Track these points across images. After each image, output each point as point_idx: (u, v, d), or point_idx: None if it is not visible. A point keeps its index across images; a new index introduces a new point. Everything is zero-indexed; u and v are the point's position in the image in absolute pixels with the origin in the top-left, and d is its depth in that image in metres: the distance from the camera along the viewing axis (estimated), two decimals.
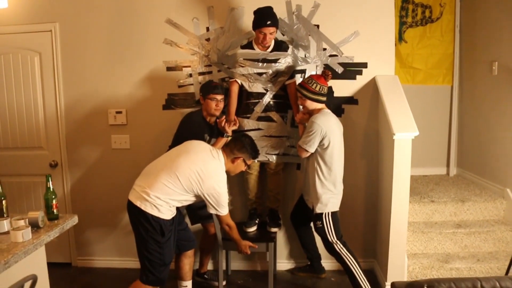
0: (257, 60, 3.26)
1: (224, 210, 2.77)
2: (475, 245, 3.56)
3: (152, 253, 2.66)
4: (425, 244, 3.56)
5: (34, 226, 2.26)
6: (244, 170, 2.99)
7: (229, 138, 3.23)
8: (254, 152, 2.92)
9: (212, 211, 2.76)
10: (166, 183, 2.61)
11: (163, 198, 2.61)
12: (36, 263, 2.22)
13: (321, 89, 3.03)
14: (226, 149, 2.85)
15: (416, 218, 3.76)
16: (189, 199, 2.73)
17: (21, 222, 2.16)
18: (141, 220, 2.63)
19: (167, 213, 2.66)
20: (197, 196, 2.70)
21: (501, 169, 3.89)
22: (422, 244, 3.56)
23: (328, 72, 3.12)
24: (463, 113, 4.66)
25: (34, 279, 1.81)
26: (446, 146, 4.79)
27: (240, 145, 2.85)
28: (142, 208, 2.61)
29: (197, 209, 3.25)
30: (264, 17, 3.13)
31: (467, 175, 4.54)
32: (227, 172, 2.83)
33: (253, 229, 3.42)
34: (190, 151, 2.73)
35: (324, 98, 3.09)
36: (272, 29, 3.14)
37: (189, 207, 3.31)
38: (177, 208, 2.79)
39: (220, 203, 2.72)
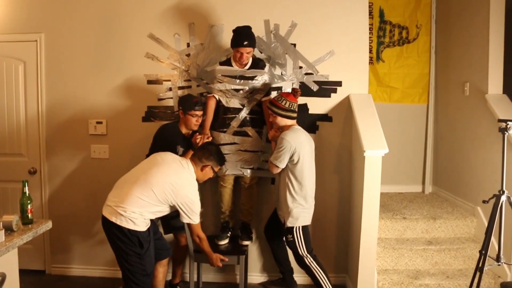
0: (235, 77, 3.41)
1: (196, 219, 2.91)
2: (445, 262, 3.68)
3: (134, 265, 2.78)
4: (396, 260, 3.68)
5: (8, 229, 2.38)
6: (212, 177, 3.14)
7: None
8: (220, 160, 3.09)
9: (185, 220, 2.89)
10: (141, 196, 2.74)
11: (137, 212, 2.74)
12: (7, 265, 2.32)
13: (290, 106, 3.20)
14: (194, 158, 3.01)
15: (388, 234, 3.90)
16: (163, 210, 2.87)
17: None
18: (118, 235, 2.75)
19: (142, 225, 2.79)
20: (171, 206, 2.84)
21: (473, 187, 4.05)
22: (393, 260, 3.68)
23: (297, 89, 3.28)
24: (438, 132, 4.86)
25: (3, 277, 1.93)
26: (422, 164, 4.97)
27: (207, 153, 3.01)
28: (118, 223, 2.73)
29: (170, 219, 3.36)
30: (242, 37, 3.30)
31: (441, 193, 4.72)
32: (196, 180, 2.98)
33: (225, 242, 3.54)
34: (161, 163, 2.87)
35: (294, 115, 3.25)
36: (249, 49, 3.31)
37: (162, 217, 3.43)
38: (151, 219, 2.91)
39: (194, 210, 2.87)
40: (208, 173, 3.05)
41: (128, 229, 2.74)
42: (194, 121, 3.34)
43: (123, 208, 2.72)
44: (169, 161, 2.91)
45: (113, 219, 2.74)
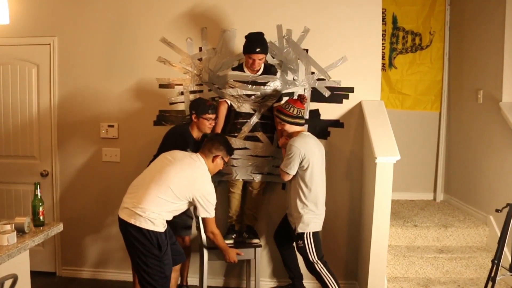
0: (247, 82, 3.43)
1: (212, 211, 2.95)
2: (456, 270, 3.65)
3: (153, 268, 2.78)
4: (406, 268, 3.66)
5: (20, 231, 2.41)
6: (222, 168, 3.15)
7: None
8: (229, 149, 3.11)
9: (202, 213, 2.91)
10: (159, 194, 2.76)
11: (156, 211, 2.75)
12: (19, 267, 2.34)
13: (298, 112, 3.21)
14: (204, 150, 3.03)
15: (399, 242, 3.88)
16: (180, 208, 2.89)
17: (7, 227, 2.31)
18: (137, 237, 2.75)
19: (160, 226, 2.81)
20: (190, 202, 2.87)
21: (485, 196, 4.02)
22: (403, 268, 3.66)
23: (304, 95, 3.30)
24: (450, 139, 4.83)
25: (14, 278, 1.95)
26: (434, 171, 4.94)
27: (217, 143, 3.03)
28: (137, 224, 2.73)
29: (175, 218, 3.36)
30: (254, 43, 3.31)
31: (453, 201, 4.68)
32: (211, 173, 3.01)
33: (230, 242, 3.55)
34: (173, 161, 2.88)
35: (303, 121, 3.27)
36: (261, 55, 3.33)
37: None
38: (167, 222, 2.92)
39: (210, 201, 2.90)
40: (219, 164, 3.07)
41: (148, 230, 2.74)
42: (208, 124, 3.37)
43: (142, 208, 2.73)
44: (180, 158, 2.93)
45: (132, 220, 2.74)
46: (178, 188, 2.79)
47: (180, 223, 3.39)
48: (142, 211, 2.73)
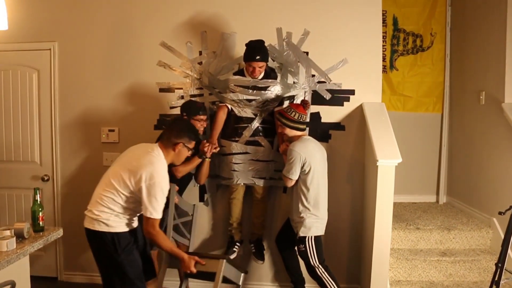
0: (248, 87, 3.42)
1: (157, 212, 2.58)
2: (460, 274, 3.62)
3: (116, 269, 2.62)
4: (409, 272, 3.64)
5: (20, 236, 2.41)
6: (189, 155, 2.88)
7: (206, 160, 3.39)
8: (193, 134, 2.82)
9: (144, 211, 2.58)
10: (104, 192, 2.61)
11: (106, 210, 2.60)
12: (18, 273, 2.34)
13: (299, 118, 3.20)
14: (162, 139, 2.76)
15: (401, 245, 3.84)
16: (131, 201, 2.64)
17: (7, 232, 2.31)
18: (97, 242, 2.63)
19: (117, 225, 2.63)
20: (137, 194, 2.60)
21: (488, 198, 3.99)
22: (406, 271, 3.64)
23: (307, 101, 3.30)
24: (452, 141, 4.81)
25: (12, 284, 1.94)
26: (436, 173, 4.91)
27: (176, 130, 2.76)
28: (93, 228, 2.60)
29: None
30: (254, 51, 3.31)
31: (456, 203, 4.65)
32: (173, 163, 2.81)
33: (232, 257, 3.54)
34: (123, 155, 2.77)
35: (303, 126, 3.25)
36: (261, 63, 3.32)
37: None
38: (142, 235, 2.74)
39: (157, 198, 2.55)
40: (183, 152, 2.77)
41: (103, 232, 2.59)
42: (199, 125, 3.34)
43: (91, 211, 2.62)
44: (133, 149, 2.78)
45: (90, 226, 2.61)
46: (120, 179, 2.58)
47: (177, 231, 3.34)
48: (93, 213, 2.60)
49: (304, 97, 3.65)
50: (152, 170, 2.56)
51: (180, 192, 3.43)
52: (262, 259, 3.61)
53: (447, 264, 3.64)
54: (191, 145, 2.81)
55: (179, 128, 2.77)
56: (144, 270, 2.77)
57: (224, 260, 2.79)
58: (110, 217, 2.60)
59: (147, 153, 2.65)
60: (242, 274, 3.06)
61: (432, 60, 4.79)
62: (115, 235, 2.60)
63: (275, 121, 3.46)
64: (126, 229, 2.66)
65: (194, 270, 2.75)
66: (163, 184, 2.58)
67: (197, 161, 3.34)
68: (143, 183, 2.54)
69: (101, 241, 2.60)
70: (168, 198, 2.79)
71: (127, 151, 2.82)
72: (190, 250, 3.34)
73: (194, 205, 3.43)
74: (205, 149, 3.33)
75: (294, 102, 3.59)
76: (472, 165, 4.33)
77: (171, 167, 3.16)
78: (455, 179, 4.74)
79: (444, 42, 4.76)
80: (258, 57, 3.29)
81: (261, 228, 3.69)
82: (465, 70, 4.51)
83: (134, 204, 2.65)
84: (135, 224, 2.75)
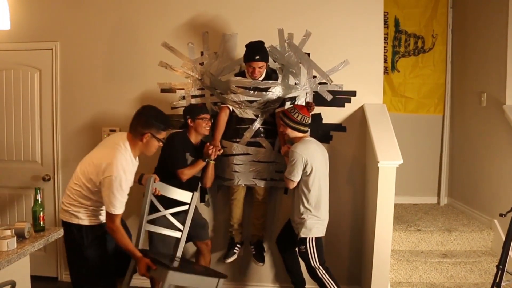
0: (249, 88, 3.42)
1: (117, 207, 2.55)
2: (461, 275, 3.62)
3: (84, 266, 2.65)
4: (410, 273, 3.63)
5: (20, 236, 2.40)
6: (160, 145, 2.77)
7: (210, 163, 3.39)
8: (162, 123, 2.70)
9: (106, 206, 2.57)
10: (73, 186, 2.66)
11: (75, 203, 2.64)
12: (19, 273, 2.34)
13: (302, 119, 3.19)
14: (131, 130, 2.68)
15: (402, 246, 3.84)
16: (97, 197, 2.64)
17: (7, 232, 2.31)
18: (66, 233, 2.67)
19: (87, 218, 2.66)
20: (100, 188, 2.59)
21: (489, 200, 3.98)
22: (407, 273, 3.63)
23: (312, 103, 3.28)
24: (454, 143, 4.80)
25: (12, 284, 1.93)
26: (437, 175, 4.90)
27: (143, 119, 2.66)
28: (65, 220, 2.66)
29: (189, 227, 3.38)
30: (254, 51, 3.31)
31: (457, 205, 4.65)
32: (143, 154, 2.75)
33: (232, 258, 3.56)
34: (95, 148, 2.77)
35: (305, 128, 3.24)
36: (261, 63, 3.32)
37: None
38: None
39: (115, 194, 2.52)
40: (152, 143, 2.68)
41: (72, 223, 2.62)
42: (204, 125, 3.33)
43: (64, 203, 2.68)
44: (104, 141, 2.79)
45: (62, 217, 2.68)
46: (85, 172, 2.58)
47: (193, 230, 3.30)
48: (64, 205, 2.67)
49: (306, 98, 3.65)
50: (112, 165, 2.51)
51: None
52: (263, 261, 3.61)
53: (448, 265, 3.63)
54: (161, 135, 2.70)
55: (146, 116, 2.67)
56: (118, 266, 2.77)
57: (169, 271, 2.59)
58: (79, 209, 2.65)
59: (112, 146, 2.61)
60: (219, 280, 2.79)
61: (433, 61, 4.78)
62: (83, 227, 2.64)
63: (277, 120, 3.46)
64: (94, 222, 2.69)
65: (146, 274, 2.67)
66: (122, 179, 2.53)
67: (201, 164, 3.33)
68: (102, 177, 2.53)
69: (71, 233, 2.65)
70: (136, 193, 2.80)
71: (100, 143, 2.82)
72: (184, 243, 3.17)
73: (193, 193, 3.18)
74: (209, 151, 3.32)
75: (296, 103, 3.59)
76: (473, 167, 4.32)
77: (176, 171, 3.20)
78: (456, 181, 4.73)
79: (445, 44, 4.76)
80: (257, 57, 3.29)
81: (262, 229, 3.69)
82: (467, 71, 4.50)
83: (101, 198, 2.63)
84: (103, 218, 2.73)
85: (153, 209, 3.01)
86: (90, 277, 2.68)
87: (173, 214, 3.09)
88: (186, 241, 3.48)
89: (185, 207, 3.14)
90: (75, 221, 2.65)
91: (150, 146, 2.69)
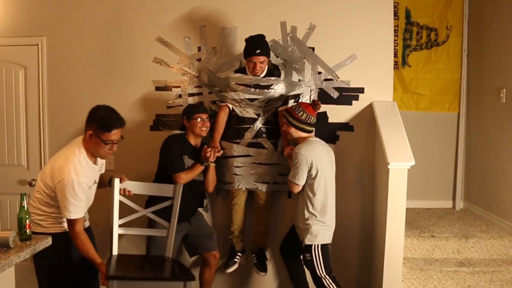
0: (250, 85, 3.43)
1: (73, 212, 2.60)
2: (479, 286, 3.60)
3: (50, 276, 2.70)
4: (423, 283, 3.62)
5: (4, 246, 2.39)
6: (109, 151, 2.73)
7: (210, 166, 3.41)
8: (104, 122, 2.64)
9: (62, 210, 2.63)
10: (35, 193, 2.73)
11: (38, 211, 2.70)
12: (3, 285, 2.33)
13: (307, 118, 3.19)
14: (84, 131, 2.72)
15: (415, 254, 3.84)
16: (58, 204, 2.68)
17: None
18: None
19: (51, 226, 2.72)
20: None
21: (509, 204, 3.99)
22: (421, 283, 3.62)
23: (318, 101, 3.28)
24: (470, 142, 4.80)
25: None
26: (452, 177, 4.91)
27: (88, 117, 2.68)
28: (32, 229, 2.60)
29: (194, 237, 3.40)
30: (254, 45, 3.33)
31: (474, 209, 4.64)
32: (98, 156, 2.78)
33: (233, 268, 3.57)
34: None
35: (310, 128, 3.25)
36: (262, 58, 3.33)
37: (186, 239, 3.47)
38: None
39: (68, 198, 2.57)
40: (96, 143, 2.66)
41: (37, 233, 2.62)
42: (200, 125, 3.34)
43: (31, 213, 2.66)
44: (66, 146, 2.80)
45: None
46: (45, 180, 2.64)
47: (198, 241, 3.38)
48: (32, 216, 2.66)
49: (310, 96, 3.66)
50: (64, 168, 2.57)
51: (196, 202, 3.50)
52: (265, 270, 3.61)
53: (465, 275, 3.62)
54: (105, 136, 2.65)
55: (91, 114, 2.69)
56: (88, 275, 2.81)
57: (116, 281, 2.67)
58: (41, 217, 2.70)
59: (67, 148, 2.68)
60: (185, 283, 2.80)
61: (447, 55, 4.78)
62: (48, 236, 2.63)
63: (280, 119, 3.47)
64: (59, 230, 2.74)
65: (105, 283, 2.70)
66: (75, 183, 2.58)
67: (200, 168, 3.34)
68: (56, 181, 2.59)
69: None
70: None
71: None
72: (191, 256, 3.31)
73: (174, 186, 3.19)
74: (208, 154, 3.32)
75: (300, 101, 3.59)
76: (492, 168, 4.32)
77: (172, 175, 3.21)
78: (473, 184, 4.73)
79: (461, 36, 4.75)
80: (258, 51, 3.30)
81: (264, 237, 3.70)
82: (484, 66, 4.50)
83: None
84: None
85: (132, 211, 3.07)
86: (59, 286, 2.73)
87: (157, 213, 3.15)
88: (193, 254, 3.55)
89: (167, 203, 3.19)
90: (39, 229, 2.69)
91: (96, 146, 2.69)
